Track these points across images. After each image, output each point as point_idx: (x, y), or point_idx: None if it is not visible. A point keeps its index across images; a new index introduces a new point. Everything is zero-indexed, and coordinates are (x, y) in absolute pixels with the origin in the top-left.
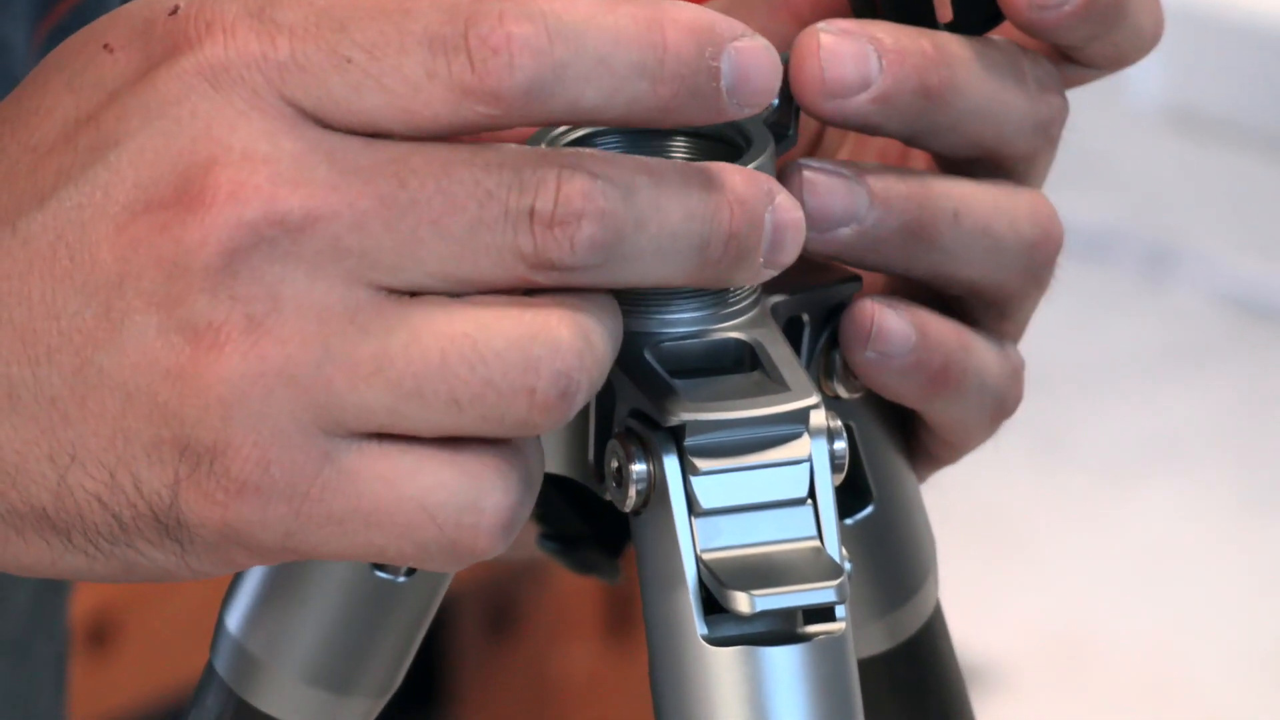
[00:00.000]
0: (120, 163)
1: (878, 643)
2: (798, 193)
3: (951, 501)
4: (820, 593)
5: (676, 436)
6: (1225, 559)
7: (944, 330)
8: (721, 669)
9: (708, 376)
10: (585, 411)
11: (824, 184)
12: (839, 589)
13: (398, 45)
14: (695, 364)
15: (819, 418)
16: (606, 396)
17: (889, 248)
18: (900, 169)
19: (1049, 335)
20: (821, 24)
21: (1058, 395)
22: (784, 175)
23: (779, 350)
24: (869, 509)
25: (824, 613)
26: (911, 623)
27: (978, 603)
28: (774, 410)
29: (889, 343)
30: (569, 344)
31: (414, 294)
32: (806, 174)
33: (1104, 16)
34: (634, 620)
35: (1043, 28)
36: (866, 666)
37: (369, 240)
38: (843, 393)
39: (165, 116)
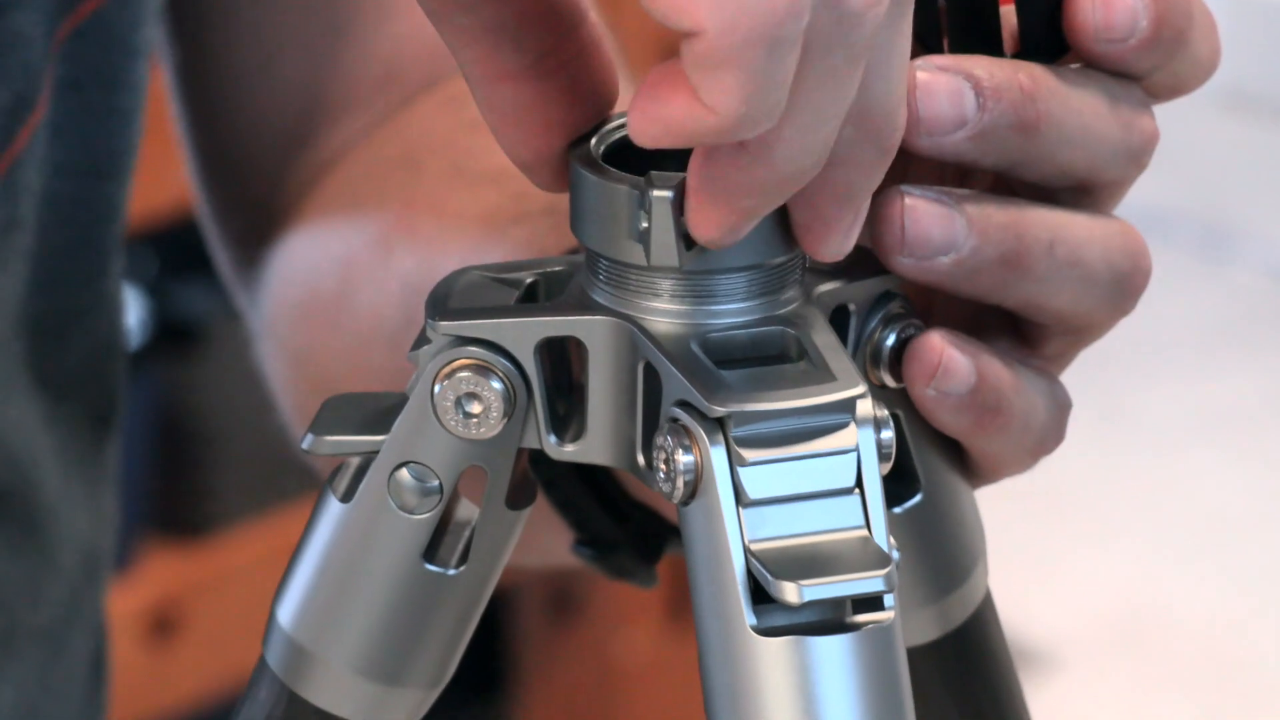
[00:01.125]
0: None
1: (927, 631)
2: (898, 218)
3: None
4: (868, 582)
5: (723, 427)
6: None
7: (1000, 374)
8: (771, 659)
9: (754, 367)
10: (633, 402)
11: (925, 210)
12: (887, 578)
13: None
14: (741, 354)
15: (865, 407)
16: (654, 388)
17: (985, 276)
18: (997, 197)
19: None
20: (919, 61)
21: (1117, 370)
22: (884, 200)
23: (825, 339)
24: (917, 498)
25: (872, 602)
26: (961, 611)
27: (1033, 580)
28: (820, 400)
29: (951, 381)
30: None
31: None
32: (908, 200)
33: (1168, 47)
34: (687, 603)
35: (1109, 59)
36: (916, 655)
37: None
38: (889, 381)
39: None
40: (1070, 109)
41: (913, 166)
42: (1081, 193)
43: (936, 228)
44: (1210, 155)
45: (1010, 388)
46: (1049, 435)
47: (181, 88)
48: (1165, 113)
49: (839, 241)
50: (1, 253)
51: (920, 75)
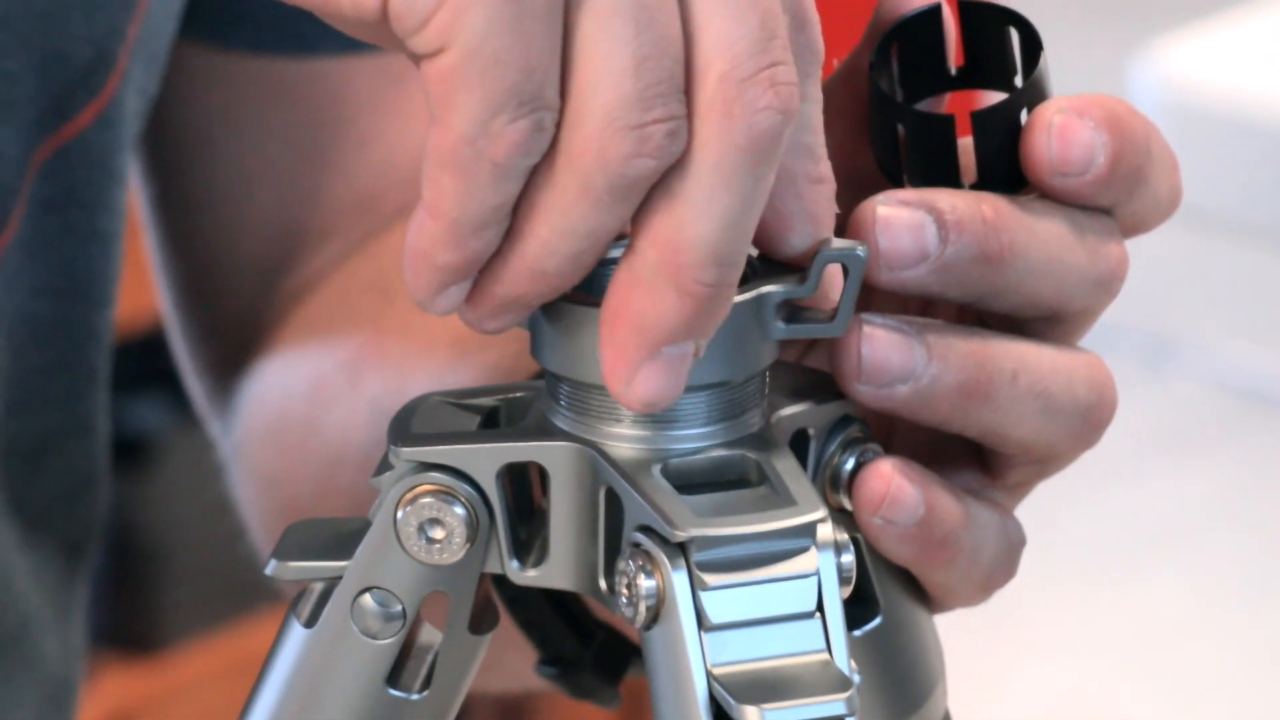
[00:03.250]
0: None
1: None
2: (856, 345)
3: None
4: (830, 705)
5: (685, 552)
6: (1223, 640)
7: (950, 508)
8: None
9: (715, 491)
10: (594, 527)
11: (882, 339)
12: (849, 701)
13: None
14: (702, 479)
15: (826, 531)
16: (615, 513)
17: (944, 405)
18: (960, 327)
19: None
20: (880, 196)
21: (1060, 479)
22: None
23: (785, 464)
24: (877, 620)
25: None
26: None
27: (980, 687)
28: (781, 525)
29: (899, 512)
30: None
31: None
32: (866, 329)
33: (1126, 184)
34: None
35: (1066, 194)
36: None
37: None
38: (849, 505)
39: None
40: (1035, 239)
41: (875, 296)
42: (1050, 322)
43: (895, 356)
44: (1154, 268)
45: (959, 522)
46: (998, 571)
47: (158, 216)
48: None
49: (632, 377)
50: None
51: (880, 210)
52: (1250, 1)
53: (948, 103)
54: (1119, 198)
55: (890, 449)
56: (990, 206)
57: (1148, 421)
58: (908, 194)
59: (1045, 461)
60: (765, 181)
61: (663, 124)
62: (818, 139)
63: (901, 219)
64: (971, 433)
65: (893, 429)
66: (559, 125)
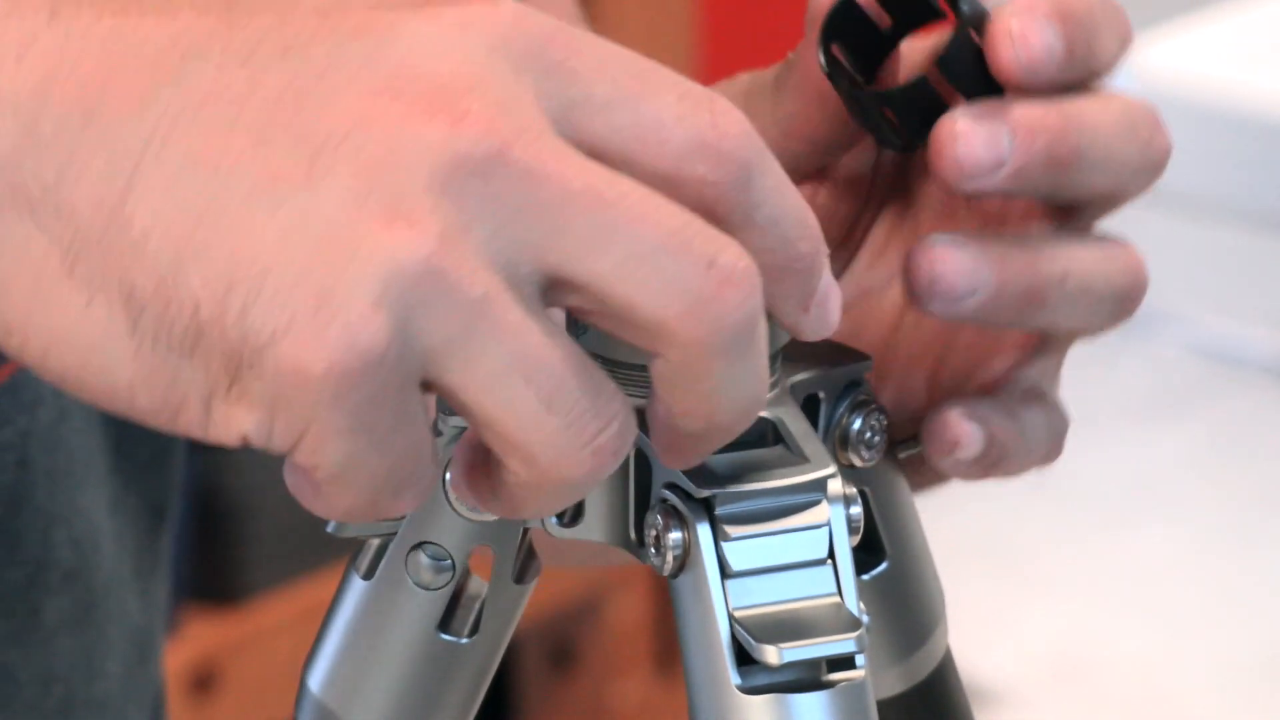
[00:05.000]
0: (385, 53)
1: (894, 686)
2: (928, 265)
3: (959, 535)
4: (841, 644)
5: (708, 506)
6: (1204, 581)
7: (1006, 431)
8: (755, 715)
9: (735, 451)
10: (625, 485)
11: (953, 260)
12: (858, 640)
13: (658, 85)
14: None
15: (836, 486)
16: (644, 472)
17: (1005, 314)
18: (1014, 239)
19: None
20: (958, 110)
21: None
22: (914, 249)
23: (798, 425)
24: (883, 566)
25: (845, 662)
26: (924, 667)
27: (984, 628)
28: (795, 480)
29: (967, 451)
30: (633, 434)
31: (564, 304)
32: (938, 249)
33: (1084, 56)
34: (679, 655)
35: (1041, 86)
36: (885, 708)
37: (567, 218)
38: (857, 461)
39: (441, 42)
40: (1099, 140)
41: (936, 197)
42: (1102, 209)
43: (964, 276)
44: (1135, 244)
45: (1014, 440)
46: (1048, 456)
47: None
48: None
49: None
50: None
51: (961, 125)
52: (1225, 2)
53: (900, 59)
54: (1084, 69)
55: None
56: (1059, 113)
57: (1131, 384)
58: (985, 106)
59: (1084, 335)
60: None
61: (607, 428)
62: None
63: (979, 132)
64: (1023, 329)
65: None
66: (512, 472)
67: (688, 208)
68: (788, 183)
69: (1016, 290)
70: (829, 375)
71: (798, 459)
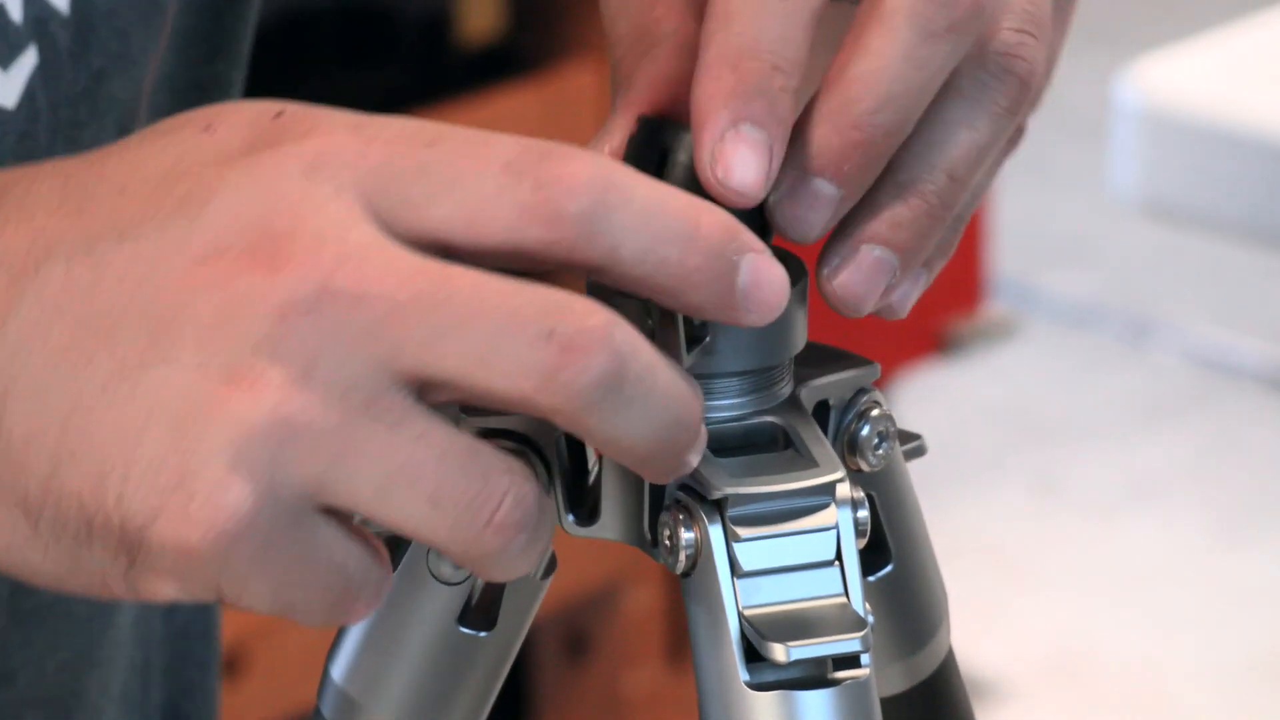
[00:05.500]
0: (205, 218)
1: (898, 683)
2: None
3: (961, 535)
4: (847, 643)
5: (720, 508)
6: (1196, 581)
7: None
8: (762, 711)
9: (747, 454)
10: (640, 487)
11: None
12: (863, 639)
13: (474, 163)
14: (736, 444)
15: (844, 490)
16: None
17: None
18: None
19: (1045, 391)
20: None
21: (1053, 443)
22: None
23: (808, 430)
24: (889, 567)
25: (850, 660)
26: (927, 665)
27: (984, 624)
28: (805, 484)
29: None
30: (533, 495)
31: (436, 400)
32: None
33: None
34: (688, 651)
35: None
36: (888, 705)
37: (402, 330)
38: (864, 466)
39: (256, 189)
40: (890, 90)
41: None
42: None
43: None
44: (1135, 257)
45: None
46: None
47: None
48: (1095, 221)
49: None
50: None
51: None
52: (1221, 28)
53: None
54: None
55: None
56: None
57: (1130, 390)
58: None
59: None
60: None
61: (500, 505)
62: None
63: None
64: None
65: None
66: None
67: (543, 266)
68: (659, 202)
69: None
70: (838, 382)
71: (807, 463)
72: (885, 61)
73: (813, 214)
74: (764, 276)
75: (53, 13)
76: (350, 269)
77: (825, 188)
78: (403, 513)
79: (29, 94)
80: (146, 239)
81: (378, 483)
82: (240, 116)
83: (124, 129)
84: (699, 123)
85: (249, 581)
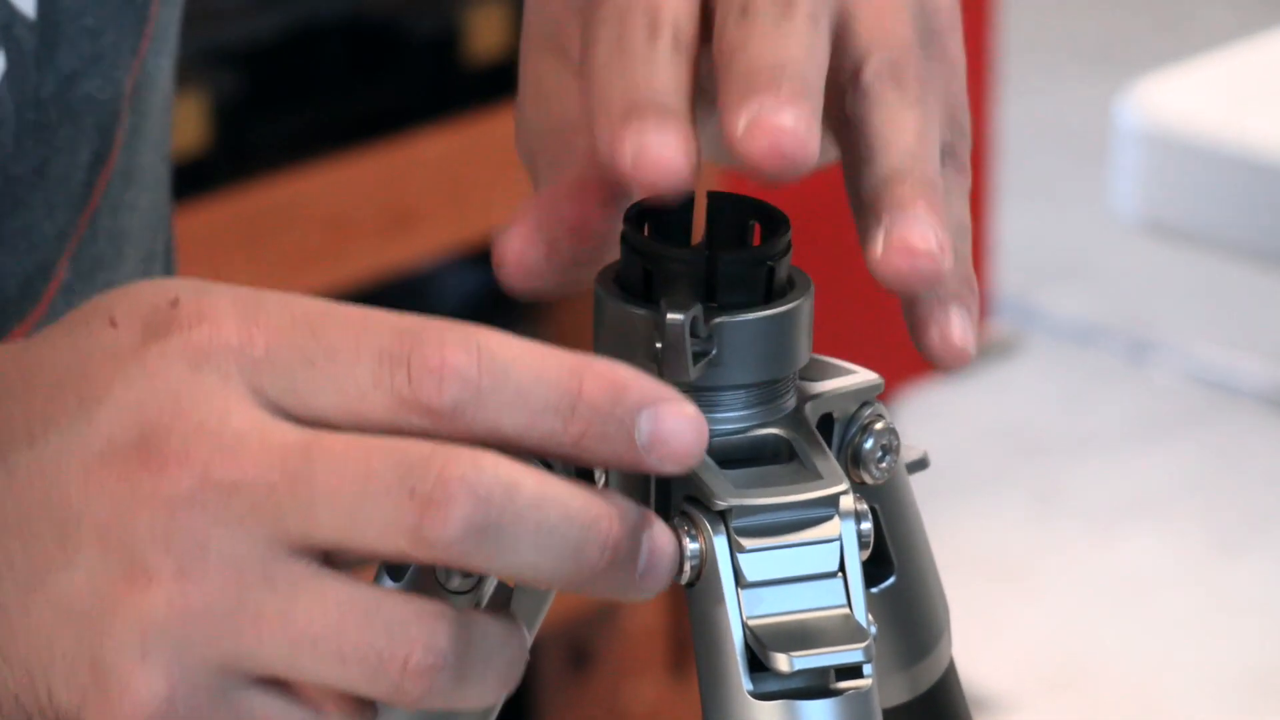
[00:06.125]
0: (99, 417)
1: (900, 694)
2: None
3: (962, 550)
4: (849, 653)
5: (725, 519)
6: (1194, 596)
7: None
8: None
9: (752, 466)
10: (646, 497)
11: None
12: (866, 650)
13: (354, 354)
14: (741, 455)
15: (848, 502)
16: (664, 484)
17: None
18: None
19: (1045, 408)
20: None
21: (1053, 459)
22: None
23: (813, 443)
24: (891, 579)
25: (853, 670)
26: (929, 676)
27: (984, 639)
28: (809, 496)
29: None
30: (444, 635)
31: (331, 556)
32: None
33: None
34: (690, 661)
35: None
36: (890, 715)
37: (279, 508)
38: (868, 479)
39: (144, 384)
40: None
41: None
42: None
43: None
44: (1135, 276)
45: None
46: None
47: None
48: (1097, 241)
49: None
50: (87, 291)
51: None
52: (1222, 49)
53: None
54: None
55: None
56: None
57: (1130, 408)
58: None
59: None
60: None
61: (412, 654)
62: None
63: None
64: None
65: None
66: None
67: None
68: (535, 375)
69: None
70: (842, 395)
71: (811, 475)
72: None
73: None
74: (666, 428)
75: (17, 17)
76: (227, 458)
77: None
78: (318, 674)
79: None
80: (51, 441)
81: (284, 650)
82: (139, 307)
83: (105, 129)
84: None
85: None
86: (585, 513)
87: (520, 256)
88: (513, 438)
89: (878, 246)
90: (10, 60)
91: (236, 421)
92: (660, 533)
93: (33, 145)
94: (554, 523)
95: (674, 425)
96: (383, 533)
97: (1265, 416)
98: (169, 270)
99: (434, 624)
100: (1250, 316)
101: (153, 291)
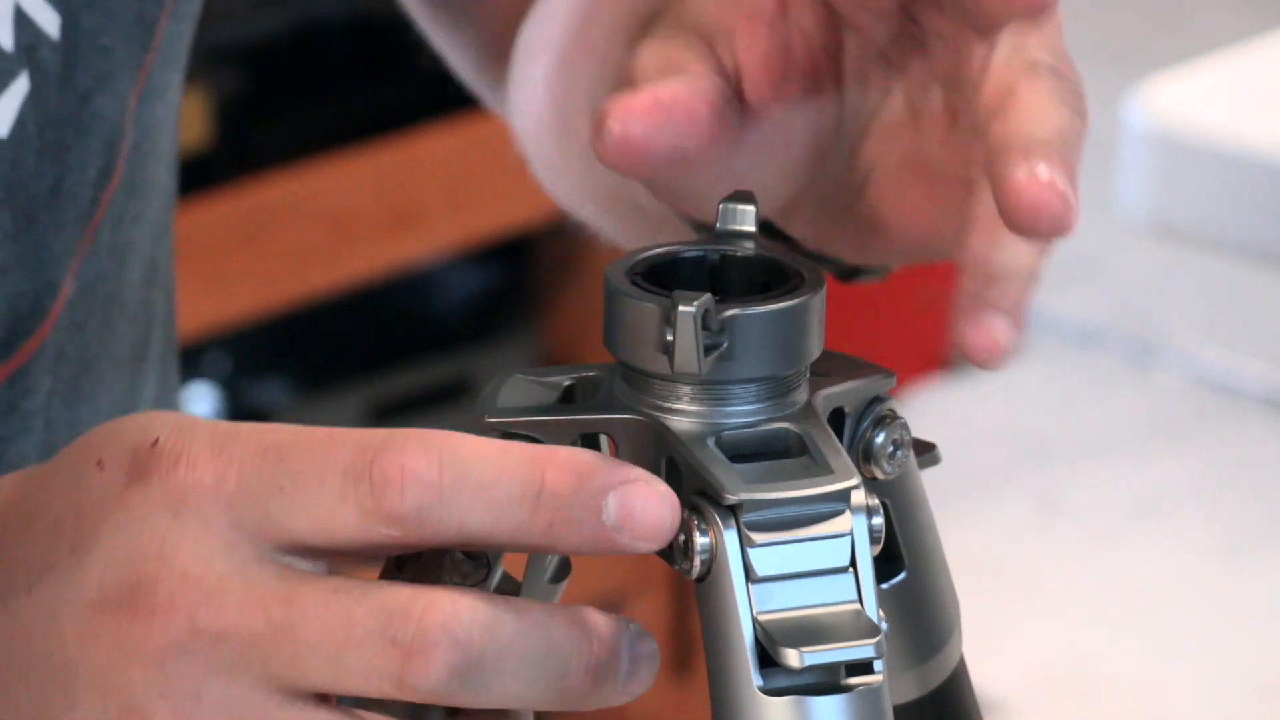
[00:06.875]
0: (91, 565)
1: (910, 691)
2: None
3: (965, 553)
4: (860, 649)
5: (736, 513)
6: (1199, 601)
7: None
8: (775, 716)
9: (762, 461)
10: None
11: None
12: (877, 646)
13: (320, 475)
14: (752, 450)
15: (859, 497)
16: (675, 479)
17: None
18: None
19: (1050, 410)
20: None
21: (1058, 462)
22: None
23: (824, 437)
24: (902, 575)
25: (864, 666)
26: (939, 673)
27: (987, 642)
28: (820, 490)
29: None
30: (433, 608)
31: (321, 694)
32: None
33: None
34: (695, 658)
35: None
36: (901, 712)
37: (264, 655)
38: (879, 474)
39: (130, 532)
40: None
41: None
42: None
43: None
44: (1139, 278)
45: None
46: None
47: None
48: (1101, 242)
49: None
50: (90, 304)
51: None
52: (1227, 50)
53: None
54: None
55: None
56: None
57: (1135, 412)
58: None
59: None
60: None
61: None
62: None
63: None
64: None
65: None
66: None
67: (404, 551)
68: (495, 470)
69: None
70: (854, 390)
71: (823, 469)
72: None
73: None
74: (635, 508)
75: (43, 38)
76: (212, 607)
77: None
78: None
79: (20, 121)
80: (48, 587)
81: None
82: (123, 448)
83: (111, 144)
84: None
85: None
86: (566, 640)
87: (625, 128)
88: (481, 535)
89: (1019, 178)
90: (34, 82)
91: (220, 567)
92: (639, 639)
93: (49, 165)
94: (536, 655)
95: (642, 504)
96: (367, 679)
97: (1272, 420)
98: (169, 278)
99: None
100: (1257, 319)
101: (136, 431)
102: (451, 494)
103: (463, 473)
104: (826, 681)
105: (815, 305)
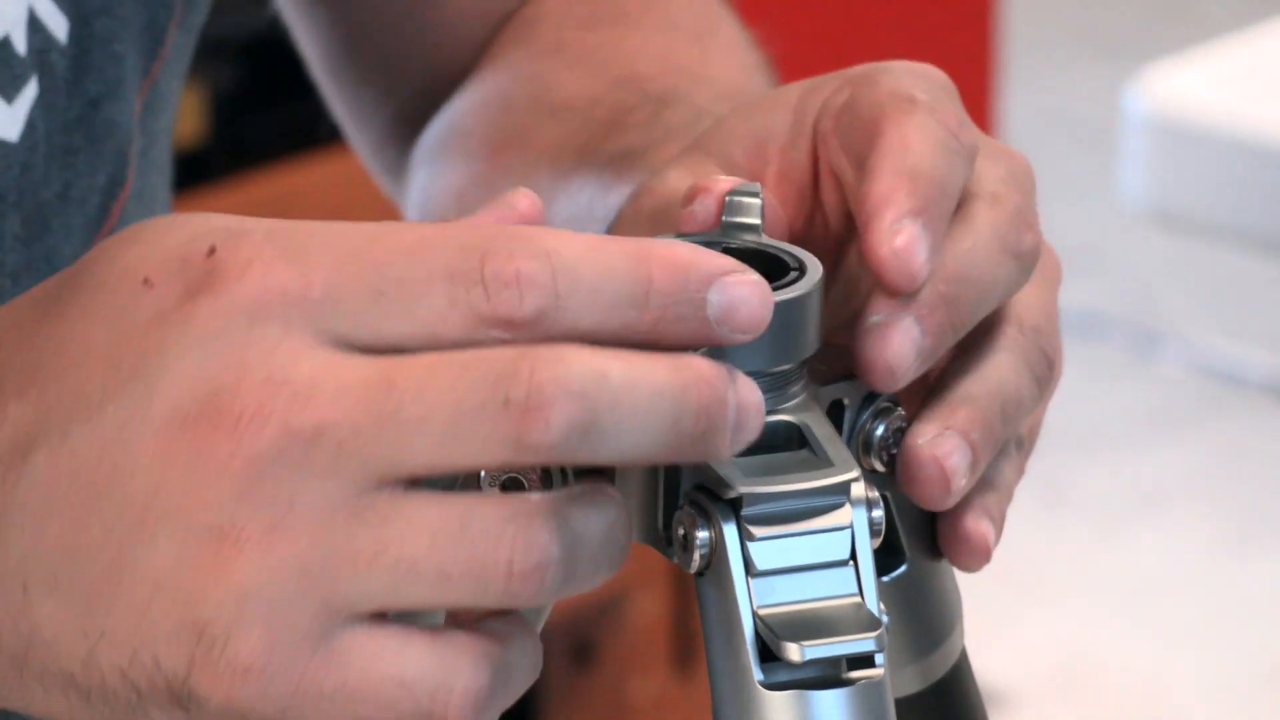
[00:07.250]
0: (159, 389)
1: (912, 684)
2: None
3: None
4: (861, 643)
5: (735, 507)
6: (1203, 592)
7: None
8: (777, 710)
9: (762, 454)
10: (655, 485)
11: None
12: (878, 639)
13: (425, 278)
14: (751, 443)
15: (859, 490)
16: (674, 472)
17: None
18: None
19: (1052, 401)
20: (872, 313)
21: (1060, 453)
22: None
23: (823, 430)
24: (902, 568)
25: (865, 660)
26: (941, 666)
27: (991, 634)
28: (820, 483)
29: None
30: (542, 530)
31: (415, 482)
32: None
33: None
34: (696, 653)
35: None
36: (902, 705)
37: (366, 445)
38: (879, 467)
39: (201, 348)
40: (983, 279)
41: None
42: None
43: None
44: (1141, 267)
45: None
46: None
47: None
48: (1103, 231)
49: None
50: None
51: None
52: (1227, 38)
53: None
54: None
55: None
56: (943, 281)
57: (1138, 401)
58: (889, 303)
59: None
60: None
61: (517, 553)
62: None
63: (898, 336)
64: None
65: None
66: None
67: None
68: (606, 270)
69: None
70: (854, 382)
71: (823, 462)
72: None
73: (900, 343)
74: (735, 296)
75: (53, 42)
76: (305, 405)
77: (914, 326)
78: (423, 599)
79: (30, 125)
80: (111, 417)
81: (383, 583)
82: (172, 261)
83: (121, 152)
84: (877, 208)
85: (304, 708)
86: (673, 383)
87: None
88: (590, 335)
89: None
90: (43, 86)
91: (307, 367)
92: (744, 386)
93: (58, 170)
94: (647, 401)
95: (744, 296)
96: (483, 448)
97: (1275, 409)
98: None
99: (529, 522)
100: (1261, 308)
101: (181, 242)
102: (566, 297)
103: (575, 276)
104: (827, 675)
105: (815, 298)
